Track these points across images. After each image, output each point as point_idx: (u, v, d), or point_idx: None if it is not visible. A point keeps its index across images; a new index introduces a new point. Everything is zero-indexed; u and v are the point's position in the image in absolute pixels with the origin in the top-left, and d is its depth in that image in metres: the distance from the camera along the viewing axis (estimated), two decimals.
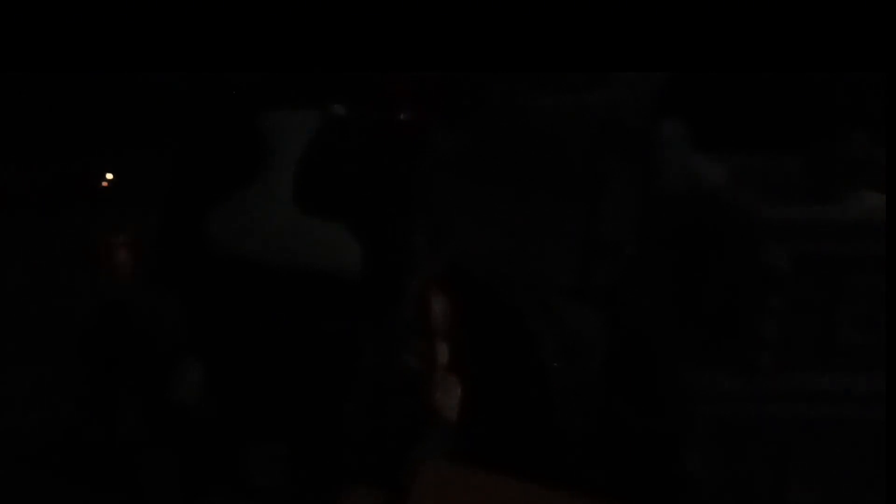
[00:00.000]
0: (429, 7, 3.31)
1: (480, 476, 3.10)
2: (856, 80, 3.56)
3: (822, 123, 3.51)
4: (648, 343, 3.61)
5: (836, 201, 3.25)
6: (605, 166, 3.89)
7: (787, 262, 3.15)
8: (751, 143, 3.51)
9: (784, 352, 3.21)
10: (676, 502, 3.29)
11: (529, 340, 3.81)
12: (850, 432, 3.24)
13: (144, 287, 3.23)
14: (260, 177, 3.12)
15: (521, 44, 3.41)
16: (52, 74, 4.01)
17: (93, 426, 3.24)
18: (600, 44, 3.41)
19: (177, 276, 3.18)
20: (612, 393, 3.70)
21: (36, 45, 3.46)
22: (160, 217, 3.24)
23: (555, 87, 3.87)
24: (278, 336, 3.09)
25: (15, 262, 4.37)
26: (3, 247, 4.36)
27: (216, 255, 3.11)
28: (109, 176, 4.73)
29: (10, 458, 3.45)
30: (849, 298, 3.20)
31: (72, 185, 4.99)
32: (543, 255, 3.96)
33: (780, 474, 3.27)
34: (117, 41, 3.39)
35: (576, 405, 3.72)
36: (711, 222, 3.40)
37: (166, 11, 3.32)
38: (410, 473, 3.10)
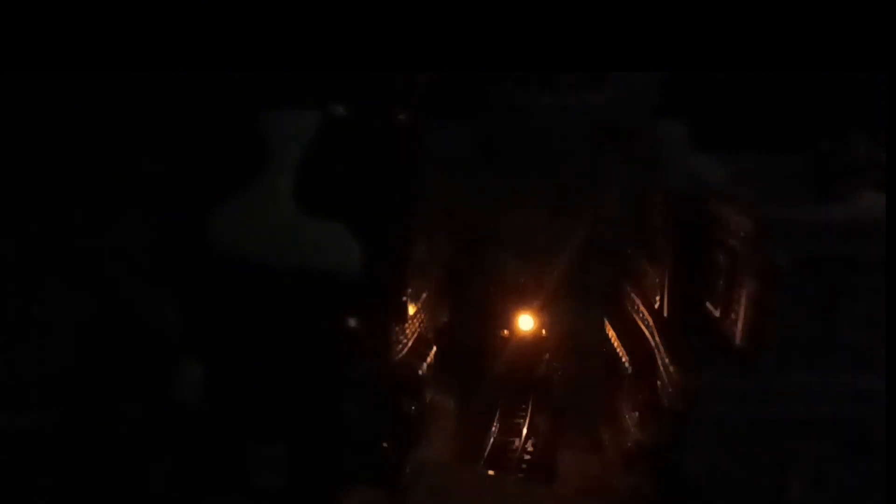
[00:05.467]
0: (429, 7, 3.31)
1: (480, 476, 3.11)
2: (856, 80, 3.56)
3: (823, 123, 3.51)
4: (648, 343, 3.61)
5: (836, 201, 3.25)
6: (605, 166, 3.89)
7: (787, 262, 3.14)
8: (751, 143, 3.51)
9: (784, 352, 3.21)
10: (677, 502, 3.29)
11: (528, 339, 3.80)
12: (850, 432, 3.23)
13: (145, 287, 3.23)
14: (260, 177, 3.12)
15: (521, 44, 3.40)
16: (52, 74, 4.00)
17: (94, 426, 3.24)
18: (600, 44, 3.41)
19: (177, 277, 3.18)
20: (612, 393, 3.70)
21: (36, 45, 3.46)
22: (161, 217, 3.23)
23: (555, 87, 3.86)
24: (278, 336, 3.09)
25: (16, 262, 4.36)
26: (4, 247, 4.35)
27: (216, 255, 3.11)
28: None
29: (10, 457, 3.44)
30: (849, 298, 3.20)
31: (72, 185, 4.98)
32: (543, 255, 3.95)
33: (780, 474, 3.27)
34: (117, 41, 3.39)
35: (575, 405, 3.72)
36: (711, 222, 3.40)
37: (166, 12, 3.32)
38: (410, 473, 3.10)
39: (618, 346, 3.83)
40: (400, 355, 3.27)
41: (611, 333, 3.92)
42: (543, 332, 4.26)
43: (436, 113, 3.60)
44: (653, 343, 3.54)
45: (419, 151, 3.34)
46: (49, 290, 4.31)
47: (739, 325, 3.26)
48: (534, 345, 4.26)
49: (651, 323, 3.61)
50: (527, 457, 3.87)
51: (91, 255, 4.35)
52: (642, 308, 3.71)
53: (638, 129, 3.69)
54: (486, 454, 3.82)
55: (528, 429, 3.96)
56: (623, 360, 3.69)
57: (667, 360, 3.41)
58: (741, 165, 3.42)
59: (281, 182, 3.09)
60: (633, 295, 3.82)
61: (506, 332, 4.29)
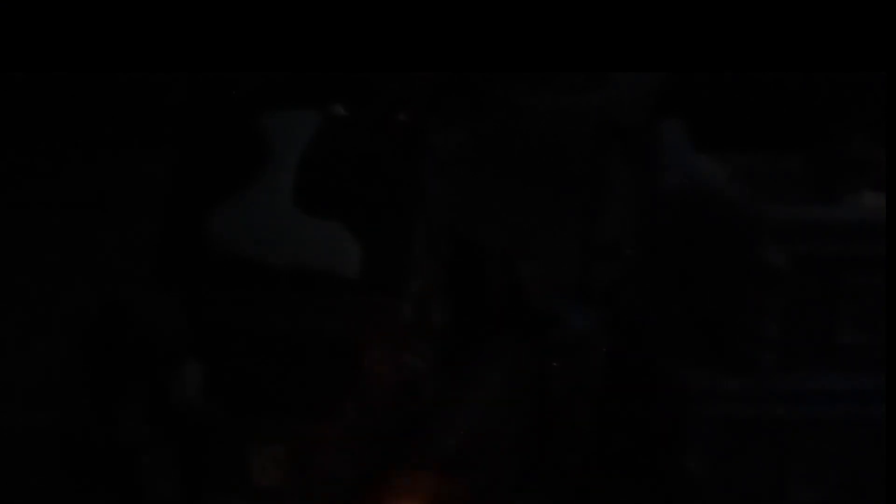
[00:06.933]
0: (428, 7, 3.32)
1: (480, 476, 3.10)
2: (856, 80, 3.57)
3: (823, 123, 3.52)
4: (648, 343, 3.61)
5: (836, 201, 3.25)
6: (604, 166, 3.89)
7: (787, 262, 3.15)
8: (751, 143, 3.51)
9: (784, 352, 3.21)
10: (677, 502, 3.29)
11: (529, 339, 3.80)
12: (850, 432, 3.24)
13: (145, 287, 3.24)
14: (260, 177, 3.12)
15: (521, 44, 3.41)
16: (52, 74, 4.01)
17: (94, 427, 3.24)
18: (600, 44, 3.41)
19: (177, 277, 3.18)
20: (612, 393, 3.70)
21: (36, 45, 3.46)
22: (160, 217, 3.24)
23: (554, 87, 3.86)
24: (279, 336, 3.09)
25: (16, 261, 4.37)
26: (4, 246, 4.36)
27: (217, 256, 3.11)
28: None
29: (10, 458, 3.45)
30: (849, 298, 3.20)
31: (72, 185, 4.99)
32: (543, 256, 3.96)
33: (781, 474, 3.27)
34: (117, 41, 3.39)
35: (575, 405, 3.72)
36: (711, 222, 3.40)
37: (166, 11, 3.32)
38: (410, 474, 3.10)
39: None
40: (400, 355, 3.27)
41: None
42: None
43: (436, 113, 3.61)
44: (653, 344, 3.54)
45: (419, 151, 3.34)
46: (49, 290, 4.32)
47: (739, 325, 3.26)
48: None
49: (651, 323, 3.61)
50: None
51: (91, 255, 4.36)
52: (642, 308, 3.72)
53: (638, 129, 3.69)
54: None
55: None
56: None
57: (667, 361, 3.42)
58: (741, 165, 3.42)
59: (281, 182, 3.09)
60: (632, 295, 3.82)
61: None
